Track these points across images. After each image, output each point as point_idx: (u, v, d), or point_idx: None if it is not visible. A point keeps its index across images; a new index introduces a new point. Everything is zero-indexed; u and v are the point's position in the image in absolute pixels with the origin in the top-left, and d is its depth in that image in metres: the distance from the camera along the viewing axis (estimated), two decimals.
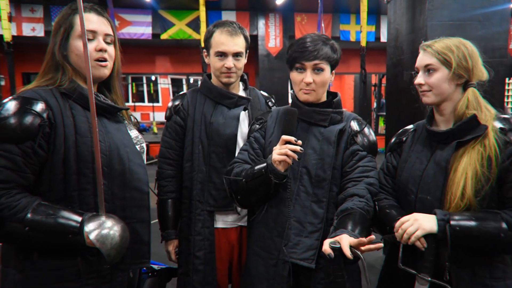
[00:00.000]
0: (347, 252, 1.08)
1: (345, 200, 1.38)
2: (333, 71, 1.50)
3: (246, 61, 1.81)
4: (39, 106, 1.13)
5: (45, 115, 1.13)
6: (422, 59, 1.32)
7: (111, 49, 1.29)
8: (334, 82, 17.05)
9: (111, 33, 1.29)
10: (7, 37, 2.91)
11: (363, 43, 3.25)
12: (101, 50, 1.25)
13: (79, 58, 1.22)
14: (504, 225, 1.16)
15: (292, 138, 1.32)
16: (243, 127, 1.78)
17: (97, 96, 1.26)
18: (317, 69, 1.42)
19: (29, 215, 1.08)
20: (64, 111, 1.17)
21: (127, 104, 15.40)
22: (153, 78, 15.99)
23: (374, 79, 12.23)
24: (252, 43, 9.06)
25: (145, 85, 16.12)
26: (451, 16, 2.99)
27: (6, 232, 1.08)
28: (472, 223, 1.16)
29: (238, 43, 1.71)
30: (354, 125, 1.50)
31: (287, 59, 1.49)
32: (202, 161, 1.73)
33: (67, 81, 1.22)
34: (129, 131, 1.36)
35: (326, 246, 1.12)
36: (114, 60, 1.32)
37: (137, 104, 15.23)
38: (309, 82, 1.42)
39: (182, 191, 1.79)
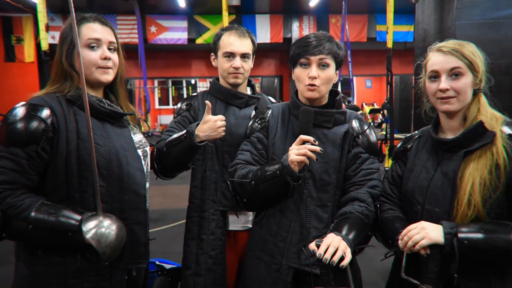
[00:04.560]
0: (321, 248, 1.12)
1: (346, 204, 1.36)
2: (337, 71, 1.45)
3: (252, 65, 1.83)
4: (44, 112, 1.20)
5: (49, 120, 1.20)
6: (446, 61, 1.21)
7: (114, 56, 1.35)
8: (374, 84, 16.61)
9: (115, 41, 1.35)
10: (44, 46, 3.12)
11: (389, 45, 3.16)
12: (105, 58, 1.31)
13: (84, 66, 1.28)
14: None
15: (311, 138, 1.30)
16: None
17: (100, 102, 1.32)
18: (322, 64, 1.38)
19: (32, 214, 1.15)
20: (68, 117, 1.24)
21: (167, 107, 15.63)
22: (192, 81, 16.40)
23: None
24: (286, 46, 9.04)
25: (184, 89, 16.57)
26: (482, 15, 2.84)
27: (13, 229, 1.17)
28: (481, 236, 1.11)
29: (246, 45, 1.74)
30: (356, 125, 1.45)
31: (290, 56, 1.43)
32: (216, 161, 1.75)
33: (74, 88, 1.29)
34: (132, 136, 1.42)
35: (312, 243, 1.15)
36: (118, 67, 1.38)
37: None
38: (314, 76, 1.37)
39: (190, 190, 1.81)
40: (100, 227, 1.19)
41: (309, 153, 1.28)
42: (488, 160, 1.16)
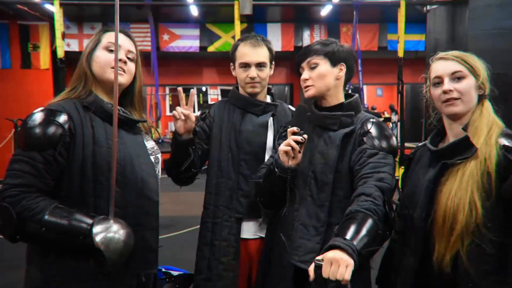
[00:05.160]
0: (324, 273, 1.02)
1: (354, 201, 1.31)
2: (341, 67, 1.52)
3: (272, 72, 1.86)
4: (62, 118, 1.25)
5: (66, 126, 1.24)
6: (447, 66, 1.26)
7: (131, 64, 1.40)
8: (385, 93, 16.48)
9: (134, 51, 1.42)
10: (60, 54, 3.20)
11: (400, 54, 3.16)
12: (120, 60, 1.35)
13: (98, 65, 1.35)
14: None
15: (295, 128, 1.38)
16: (270, 134, 1.82)
17: None
18: (311, 66, 1.49)
19: (46, 217, 1.18)
20: (85, 122, 1.28)
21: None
22: (203, 89, 16.51)
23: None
24: (298, 54, 9.07)
25: (195, 96, 16.65)
26: (495, 25, 2.83)
27: (27, 232, 1.20)
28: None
29: (261, 54, 1.77)
30: (367, 125, 1.46)
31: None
32: (232, 169, 1.77)
33: (88, 91, 1.34)
34: (145, 142, 1.45)
35: (311, 266, 1.06)
36: (134, 76, 1.43)
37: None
38: (305, 78, 1.49)
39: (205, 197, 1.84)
40: (109, 232, 1.21)
41: (292, 143, 1.37)
42: (468, 174, 1.16)
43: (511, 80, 2.90)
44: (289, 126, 1.61)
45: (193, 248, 1.85)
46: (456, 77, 1.24)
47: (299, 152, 1.39)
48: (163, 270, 1.92)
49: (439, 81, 1.27)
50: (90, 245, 1.20)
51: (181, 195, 5.97)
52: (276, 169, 1.42)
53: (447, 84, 1.24)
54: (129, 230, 1.26)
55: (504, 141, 1.18)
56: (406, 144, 6.40)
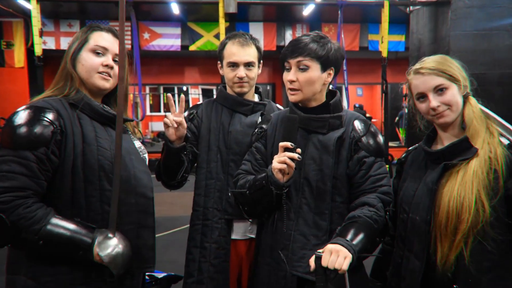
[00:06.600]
0: (323, 262, 1.11)
1: (356, 209, 1.35)
2: (330, 71, 1.41)
3: (260, 71, 1.83)
4: (52, 115, 1.18)
5: (57, 123, 1.18)
6: (427, 81, 1.24)
7: (117, 68, 1.35)
8: (365, 92, 16.77)
9: None
10: (38, 51, 3.09)
11: (384, 54, 3.20)
12: (107, 65, 1.30)
13: (84, 69, 1.29)
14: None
15: (288, 144, 1.29)
16: None
17: (103, 107, 1.32)
18: (301, 67, 1.35)
19: (44, 228, 1.12)
20: (73, 120, 1.22)
21: (159, 114, 15.66)
22: (184, 88, 16.39)
23: (405, 89, 11.96)
24: (280, 54, 9.10)
25: (176, 95, 16.49)
26: (476, 26, 2.89)
27: (21, 239, 1.12)
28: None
29: (250, 53, 1.74)
30: (358, 126, 1.42)
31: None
32: (221, 169, 1.74)
33: (74, 90, 1.28)
34: (133, 141, 1.41)
35: (312, 257, 1.14)
36: (118, 79, 1.37)
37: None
38: (291, 80, 1.36)
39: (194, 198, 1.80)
40: (114, 248, 1.19)
41: (288, 161, 1.29)
42: (472, 173, 1.16)
43: (491, 80, 2.97)
44: (265, 128, 1.55)
45: (177, 249, 1.81)
46: (439, 89, 1.24)
47: (295, 168, 1.32)
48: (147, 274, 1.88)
49: (422, 96, 1.26)
50: (89, 259, 1.17)
51: (164, 195, 5.87)
52: (271, 186, 1.34)
53: (433, 101, 1.23)
54: (127, 242, 1.23)
55: (506, 140, 1.20)
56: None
